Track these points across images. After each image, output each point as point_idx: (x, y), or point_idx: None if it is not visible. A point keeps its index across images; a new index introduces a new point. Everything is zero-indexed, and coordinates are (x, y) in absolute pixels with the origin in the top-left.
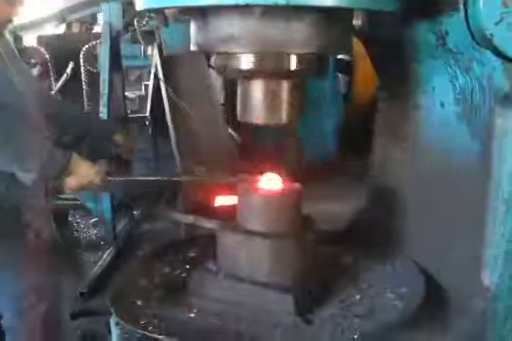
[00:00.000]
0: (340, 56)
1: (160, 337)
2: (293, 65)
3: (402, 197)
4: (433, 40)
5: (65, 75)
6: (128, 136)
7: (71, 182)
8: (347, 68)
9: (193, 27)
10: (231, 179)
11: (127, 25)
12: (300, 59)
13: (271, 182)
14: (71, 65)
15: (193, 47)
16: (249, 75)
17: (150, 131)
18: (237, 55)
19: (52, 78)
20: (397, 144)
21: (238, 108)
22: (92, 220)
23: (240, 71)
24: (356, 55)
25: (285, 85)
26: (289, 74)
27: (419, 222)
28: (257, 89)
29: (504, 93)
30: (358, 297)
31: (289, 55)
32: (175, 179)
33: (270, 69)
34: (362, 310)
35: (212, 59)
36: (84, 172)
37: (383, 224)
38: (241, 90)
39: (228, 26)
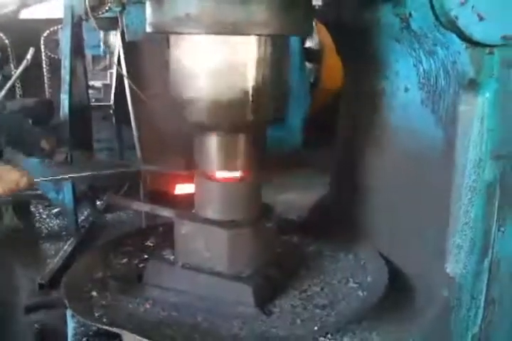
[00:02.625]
0: (308, 45)
1: (114, 329)
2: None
3: (367, 185)
4: (397, 22)
5: (25, 61)
6: (53, 142)
7: None
8: (315, 57)
9: (148, 7)
10: (188, 169)
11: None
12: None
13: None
14: (31, 50)
15: (148, 29)
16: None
17: (114, 119)
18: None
19: (11, 64)
20: (362, 130)
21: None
22: (55, 210)
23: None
24: (324, 45)
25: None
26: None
27: (385, 210)
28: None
29: (469, 78)
30: (319, 287)
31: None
32: (132, 169)
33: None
34: (323, 300)
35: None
36: (6, 177)
37: (347, 213)
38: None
39: (185, 5)
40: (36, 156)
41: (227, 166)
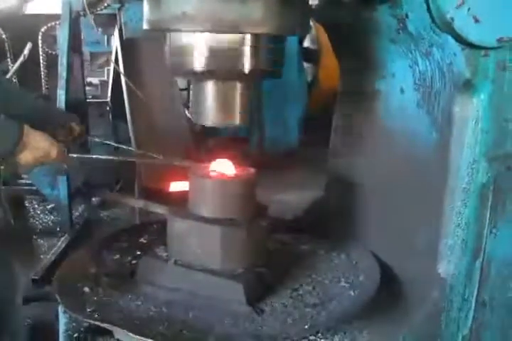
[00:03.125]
0: (306, 45)
1: (105, 325)
2: (246, 66)
3: (362, 185)
4: (393, 23)
5: (22, 57)
6: (83, 128)
7: (26, 156)
8: (313, 57)
9: (145, 4)
10: (185, 162)
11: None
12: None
13: (222, 167)
14: (29, 46)
15: (145, 26)
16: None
17: (110, 116)
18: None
19: (8, 59)
20: (358, 130)
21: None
22: (49, 206)
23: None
24: (322, 45)
25: (238, 87)
26: (242, 76)
27: (380, 211)
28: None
29: (464, 80)
30: (311, 286)
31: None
32: (131, 159)
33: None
34: (314, 299)
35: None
36: (38, 144)
37: (342, 213)
38: (193, 92)
39: (183, 3)
40: (60, 136)
41: (224, 113)
